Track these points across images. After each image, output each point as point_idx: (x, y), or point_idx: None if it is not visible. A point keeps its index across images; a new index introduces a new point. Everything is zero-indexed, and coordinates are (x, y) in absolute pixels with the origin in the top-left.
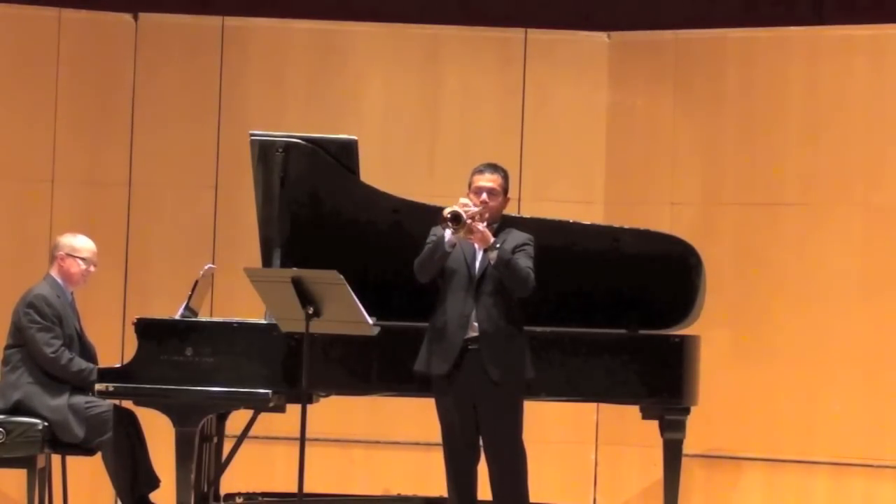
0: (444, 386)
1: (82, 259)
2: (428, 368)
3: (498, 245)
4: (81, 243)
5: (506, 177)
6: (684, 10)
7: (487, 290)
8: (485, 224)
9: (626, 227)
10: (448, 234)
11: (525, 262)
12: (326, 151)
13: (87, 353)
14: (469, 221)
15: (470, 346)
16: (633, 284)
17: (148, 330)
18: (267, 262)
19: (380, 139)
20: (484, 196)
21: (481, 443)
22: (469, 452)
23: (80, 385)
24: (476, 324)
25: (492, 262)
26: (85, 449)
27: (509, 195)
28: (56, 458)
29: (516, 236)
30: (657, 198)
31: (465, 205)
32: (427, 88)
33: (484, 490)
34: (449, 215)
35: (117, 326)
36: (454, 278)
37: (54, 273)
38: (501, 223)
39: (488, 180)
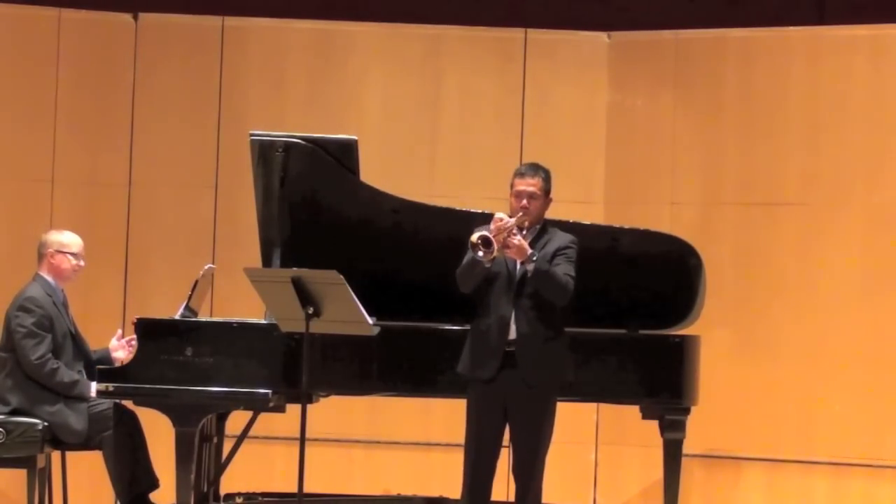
0: (482, 389)
1: (72, 254)
2: (471, 372)
3: (535, 257)
4: (69, 238)
5: (547, 178)
6: (684, 10)
7: (527, 293)
8: (525, 231)
9: (626, 227)
10: (482, 258)
11: (565, 268)
12: (326, 151)
13: (82, 351)
14: (507, 236)
15: (508, 350)
16: (633, 284)
17: (148, 330)
18: (267, 262)
19: (380, 139)
20: (524, 202)
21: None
22: (491, 456)
23: (65, 395)
24: (514, 327)
25: (529, 275)
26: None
27: (551, 196)
28: (56, 458)
29: (559, 238)
30: (657, 198)
31: (499, 220)
32: (427, 88)
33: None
34: (479, 241)
35: (117, 326)
36: (496, 281)
37: (44, 272)
38: (543, 225)
39: (529, 184)
